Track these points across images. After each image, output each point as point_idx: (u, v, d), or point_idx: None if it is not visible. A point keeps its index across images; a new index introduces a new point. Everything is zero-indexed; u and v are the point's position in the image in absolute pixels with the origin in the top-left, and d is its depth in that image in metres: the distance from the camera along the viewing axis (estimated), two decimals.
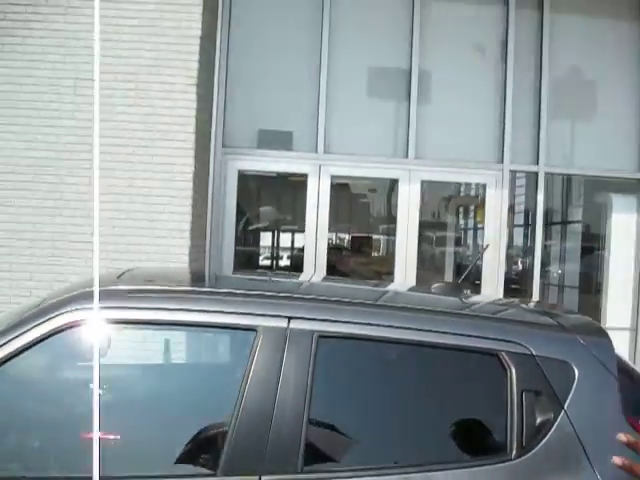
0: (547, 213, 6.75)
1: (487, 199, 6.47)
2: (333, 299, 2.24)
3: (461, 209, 7.22)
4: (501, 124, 6.48)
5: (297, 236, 6.56)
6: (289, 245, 6.97)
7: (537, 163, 6.52)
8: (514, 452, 1.93)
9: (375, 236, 7.13)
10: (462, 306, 2.43)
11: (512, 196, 6.74)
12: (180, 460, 1.96)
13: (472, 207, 7.02)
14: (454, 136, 6.47)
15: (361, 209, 7.16)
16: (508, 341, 2.04)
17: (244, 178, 6.26)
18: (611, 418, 2.01)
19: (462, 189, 7.17)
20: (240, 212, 6.19)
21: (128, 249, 4.88)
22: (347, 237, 7.20)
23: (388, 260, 6.55)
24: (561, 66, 6.64)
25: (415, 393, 2.07)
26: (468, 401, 2.08)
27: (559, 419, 1.97)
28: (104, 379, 1.86)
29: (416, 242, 6.27)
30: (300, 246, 6.42)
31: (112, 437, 1.85)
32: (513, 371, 2.00)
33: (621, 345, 6.37)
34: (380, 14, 6.50)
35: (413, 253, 6.28)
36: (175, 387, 2.30)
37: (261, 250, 6.97)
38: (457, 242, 7.12)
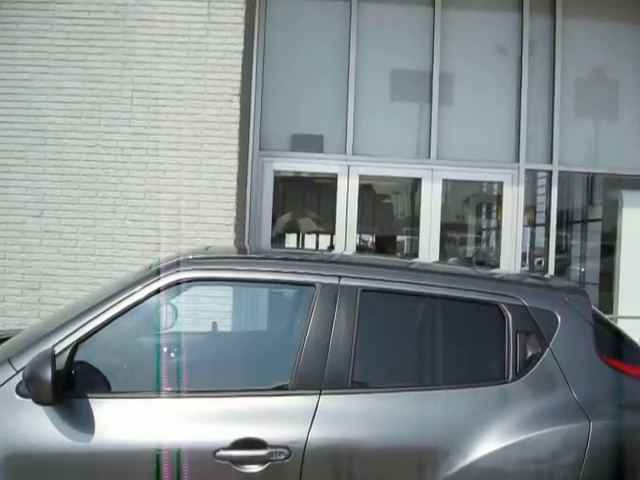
0: (561, 210, 7.39)
1: (504, 197, 7.13)
2: (372, 263, 2.97)
3: (480, 206, 7.87)
4: (517, 125, 7.14)
5: (328, 231, 7.23)
6: (321, 240, 7.66)
7: (551, 162, 7.19)
8: (510, 376, 2.62)
9: (399, 233, 7.78)
10: (472, 272, 3.13)
11: (528, 194, 7.41)
12: (264, 378, 2.70)
13: (490, 204, 7.67)
14: (473, 137, 7.15)
15: (387, 207, 7.83)
16: (506, 295, 2.73)
17: (279, 178, 7.01)
18: (586, 353, 2.70)
19: (481, 187, 7.83)
20: (276, 208, 6.94)
21: (180, 241, 5.60)
22: (373, 234, 7.86)
23: (412, 255, 7.23)
24: (573, 68, 7.25)
25: (435, 334, 2.76)
26: (477, 339, 2.77)
27: (545, 353, 2.66)
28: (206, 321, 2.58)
29: (438, 238, 6.93)
30: (330, 242, 7.15)
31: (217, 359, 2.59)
32: (510, 317, 2.69)
33: (634, 334, 6.97)
34: (403, 23, 7.21)
35: (435, 248, 6.95)
36: (260, 325, 3.02)
37: (294, 242, 7.68)
38: (477, 238, 7.76)
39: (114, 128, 5.85)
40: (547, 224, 7.22)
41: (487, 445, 2.48)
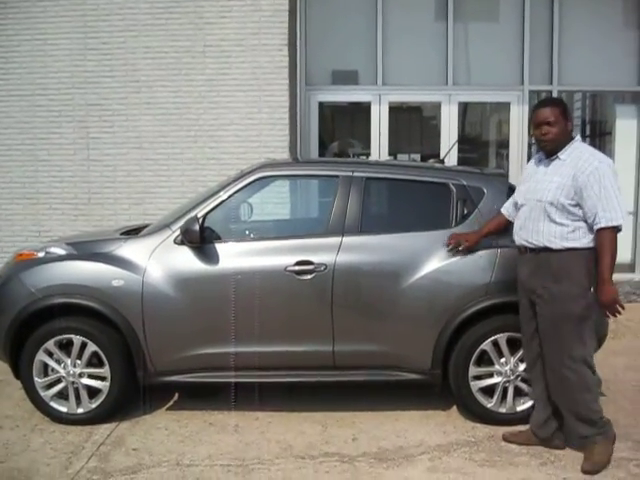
0: None
1: (511, 116, 9.22)
2: (372, 163, 5.30)
3: (491, 125, 9.91)
4: (520, 51, 9.14)
5: (366, 150, 9.40)
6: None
7: (551, 83, 9.21)
8: (453, 224, 4.85)
9: (426, 150, 9.79)
10: (438, 166, 5.38)
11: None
12: (312, 228, 5.20)
13: (500, 123, 9.71)
14: (483, 63, 9.20)
15: (414, 128, 9.95)
16: (453, 178, 4.93)
17: (323, 108, 9.26)
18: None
19: (491, 108, 9.86)
20: (321, 132, 9.19)
21: (247, 162, 7.79)
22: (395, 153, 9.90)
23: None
24: (569, 1, 9.17)
25: (409, 201, 5.05)
26: (435, 204, 4.98)
27: (475, 211, 4.81)
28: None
29: (456, 152, 9.03)
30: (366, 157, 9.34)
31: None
32: (454, 191, 4.88)
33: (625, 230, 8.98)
34: None
35: (454, 160, 9.08)
36: (308, 203, 5.46)
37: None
38: (488, 152, 9.79)
39: (191, 76, 8.17)
40: None
41: (435, 262, 4.75)
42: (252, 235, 5.25)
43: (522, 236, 4.28)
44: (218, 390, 5.25)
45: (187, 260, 4.83)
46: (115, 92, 8.23)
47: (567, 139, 4.19)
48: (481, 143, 9.71)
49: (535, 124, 4.23)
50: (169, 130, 8.21)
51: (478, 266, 4.78)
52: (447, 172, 5.15)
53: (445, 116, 9.19)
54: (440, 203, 4.98)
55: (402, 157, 9.51)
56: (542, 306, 4.22)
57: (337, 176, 5.00)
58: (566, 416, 4.31)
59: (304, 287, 4.77)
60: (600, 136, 9.81)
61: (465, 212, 4.92)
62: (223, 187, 5.04)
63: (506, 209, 4.65)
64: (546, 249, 4.13)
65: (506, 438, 4.62)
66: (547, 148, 4.21)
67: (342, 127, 9.86)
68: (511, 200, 4.62)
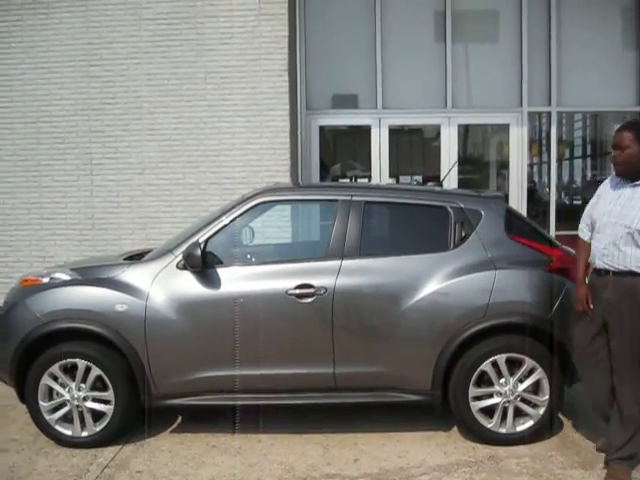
0: (560, 146, 9.56)
1: (510, 137, 9.36)
2: (371, 187, 5.44)
3: (490, 146, 10.04)
4: (519, 73, 9.31)
5: (366, 173, 9.54)
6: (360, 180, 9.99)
7: (550, 104, 9.36)
8: (451, 246, 4.96)
9: (427, 172, 9.93)
10: (436, 189, 5.51)
11: (532, 133, 9.58)
12: (312, 252, 5.31)
13: (499, 144, 9.84)
14: (481, 85, 9.37)
15: (414, 150, 10.10)
16: (451, 201, 5.06)
17: (324, 131, 9.42)
18: (497, 233, 4.98)
19: (491, 130, 10.00)
20: (322, 156, 9.35)
21: (249, 186, 7.96)
22: (397, 176, 10.04)
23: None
24: (566, 22, 9.34)
25: (408, 223, 5.15)
26: (433, 227, 5.10)
27: (472, 234, 4.95)
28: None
29: (456, 173, 9.16)
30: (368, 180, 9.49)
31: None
32: (452, 214, 5.01)
33: None
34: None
35: (455, 181, 9.23)
36: (308, 226, 5.58)
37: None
38: (488, 173, 9.93)
39: (193, 102, 8.31)
40: (548, 159, 9.45)
41: (434, 285, 4.85)
42: (254, 259, 5.38)
43: (606, 261, 4.30)
44: (221, 413, 5.33)
45: (189, 284, 4.93)
46: (118, 119, 8.37)
47: None
48: (481, 164, 9.83)
49: (612, 147, 4.34)
50: (171, 156, 8.35)
51: (477, 288, 4.87)
52: (445, 195, 5.27)
53: (445, 138, 9.33)
54: (438, 226, 5.09)
55: (404, 179, 9.68)
56: (626, 328, 4.23)
57: (336, 200, 5.13)
58: (633, 436, 4.32)
59: (305, 310, 4.87)
60: (600, 156, 9.93)
61: (463, 235, 5.03)
62: (225, 212, 5.16)
63: (584, 234, 4.59)
64: (632, 273, 4.19)
65: (599, 449, 4.65)
66: (618, 170, 4.28)
67: (343, 150, 10.01)
68: (584, 223, 4.60)
